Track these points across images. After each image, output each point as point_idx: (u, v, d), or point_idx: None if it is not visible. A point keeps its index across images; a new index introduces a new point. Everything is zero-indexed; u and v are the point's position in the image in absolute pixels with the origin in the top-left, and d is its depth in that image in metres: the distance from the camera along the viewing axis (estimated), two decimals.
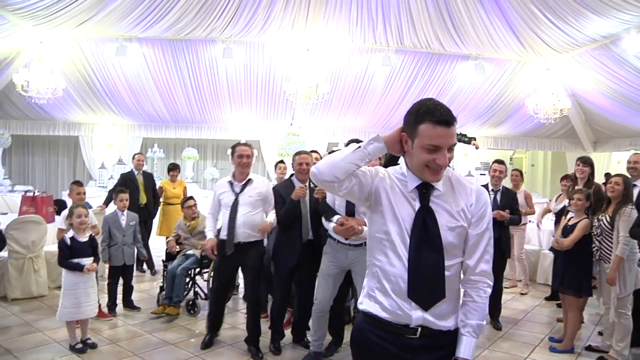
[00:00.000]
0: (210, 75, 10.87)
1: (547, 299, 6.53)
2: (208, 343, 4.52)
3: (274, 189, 4.66)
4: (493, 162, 5.70)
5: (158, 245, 7.95)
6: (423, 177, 1.77)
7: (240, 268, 4.65)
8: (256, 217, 4.37)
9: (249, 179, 4.41)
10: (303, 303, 4.58)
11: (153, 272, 7.24)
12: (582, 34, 9.10)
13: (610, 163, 14.48)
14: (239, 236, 4.29)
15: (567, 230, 4.89)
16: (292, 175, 4.70)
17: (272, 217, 4.48)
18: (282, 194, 4.50)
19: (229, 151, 4.80)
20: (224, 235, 4.34)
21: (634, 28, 8.48)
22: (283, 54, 10.43)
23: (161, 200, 7.65)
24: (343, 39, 10.12)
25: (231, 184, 4.41)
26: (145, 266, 7.34)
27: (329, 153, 3.76)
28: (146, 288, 6.59)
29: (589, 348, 4.82)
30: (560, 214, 6.01)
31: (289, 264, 4.42)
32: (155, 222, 7.70)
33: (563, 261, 4.81)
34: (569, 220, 5.02)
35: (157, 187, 7.71)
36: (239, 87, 11.26)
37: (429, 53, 10.57)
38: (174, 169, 7.81)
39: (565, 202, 6.13)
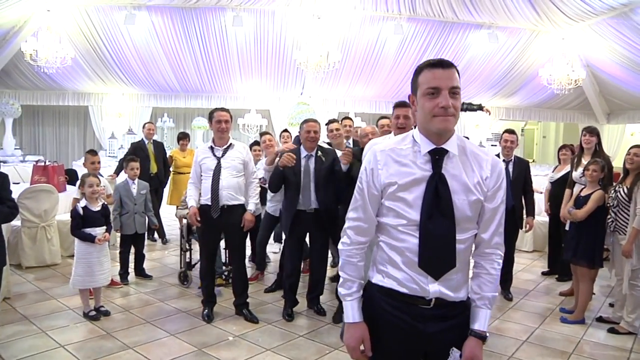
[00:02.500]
0: (220, 44, 10.76)
1: (544, 273, 6.46)
2: (209, 315, 4.45)
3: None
4: (503, 132, 5.60)
5: (169, 215, 7.99)
6: (434, 128, 1.70)
7: (224, 234, 4.69)
8: (239, 180, 4.43)
9: (230, 144, 4.44)
10: (316, 270, 4.65)
11: (164, 241, 7.27)
12: (600, 1, 8.85)
13: (624, 135, 14.31)
14: (224, 198, 4.32)
15: (580, 202, 4.83)
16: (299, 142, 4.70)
17: (253, 205, 4.49)
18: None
19: (206, 121, 4.73)
20: (206, 199, 4.35)
21: None
22: (294, 22, 10.28)
23: (171, 169, 7.63)
24: (355, 7, 9.95)
25: (212, 149, 4.42)
26: (156, 235, 7.37)
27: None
28: (157, 257, 6.64)
29: (600, 319, 4.81)
30: (558, 183, 5.96)
31: (296, 234, 4.50)
32: (166, 191, 7.70)
33: (576, 232, 4.76)
34: (581, 191, 4.96)
35: (168, 156, 7.71)
36: (249, 56, 11.14)
37: (441, 22, 10.38)
38: (183, 137, 7.78)
39: (563, 171, 6.04)
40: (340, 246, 1.87)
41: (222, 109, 4.46)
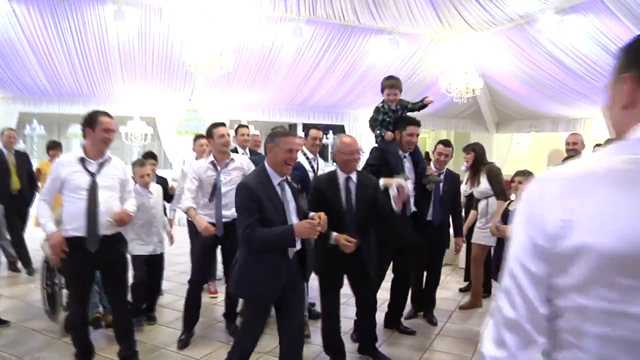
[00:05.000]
0: (99, 42, 9.50)
1: (462, 290, 6.22)
2: None
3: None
4: (438, 143, 5.32)
5: (38, 238, 6.78)
6: None
7: (101, 274, 3.88)
8: (117, 204, 3.73)
9: (108, 157, 3.74)
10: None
11: (30, 272, 6.09)
12: (501, 11, 8.87)
13: (512, 144, 14.83)
14: (103, 227, 3.54)
15: (509, 216, 4.49)
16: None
17: (132, 205, 3.85)
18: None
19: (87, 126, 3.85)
20: (74, 228, 3.46)
21: (550, 9, 8.37)
22: (183, 19, 9.33)
23: (39, 184, 6.46)
24: (251, 6, 9.22)
25: (83, 161, 3.60)
26: (20, 264, 6.17)
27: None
28: (20, 293, 5.48)
29: None
30: (470, 198, 5.85)
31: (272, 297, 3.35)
32: (33, 210, 6.49)
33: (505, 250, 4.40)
34: (508, 204, 4.65)
35: (35, 169, 6.55)
36: (133, 57, 9.98)
37: (342, 25, 9.91)
38: (54, 147, 6.67)
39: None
40: None
41: (107, 115, 3.70)
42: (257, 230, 3.04)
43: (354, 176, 3.88)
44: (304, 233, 3.05)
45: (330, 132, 15.14)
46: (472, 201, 5.62)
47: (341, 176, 3.86)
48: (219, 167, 4.44)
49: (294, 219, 3.24)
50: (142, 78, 10.83)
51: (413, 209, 4.53)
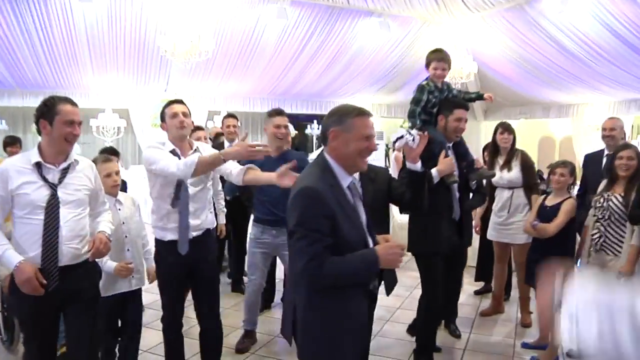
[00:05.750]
0: (64, 27, 8.61)
1: (477, 292, 5.69)
2: None
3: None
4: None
5: None
6: None
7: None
8: (84, 222, 2.78)
9: (74, 161, 2.76)
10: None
11: None
12: None
13: None
14: (65, 256, 2.63)
15: (546, 213, 3.93)
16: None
17: (107, 224, 2.95)
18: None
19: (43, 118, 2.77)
20: (31, 258, 2.56)
21: None
22: (157, 1, 8.55)
23: None
24: None
25: (39, 167, 2.64)
26: None
27: None
28: None
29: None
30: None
31: None
32: None
33: (544, 252, 3.85)
34: (545, 199, 4.08)
35: None
36: (102, 42, 9.11)
37: (329, 6, 9.24)
38: (12, 143, 5.97)
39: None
40: None
41: (70, 102, 2.72)
42: (327, 264, 2.04)
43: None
44: (391, 262, 2.17)
45: (315, 122, 14.53)
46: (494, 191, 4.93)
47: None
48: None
49: (369, 240, 2.31)
50: (114, 66, 10.00)
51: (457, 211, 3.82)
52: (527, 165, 4.64)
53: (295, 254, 2.11)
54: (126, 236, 3.46)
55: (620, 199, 3.60)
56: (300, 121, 15.27)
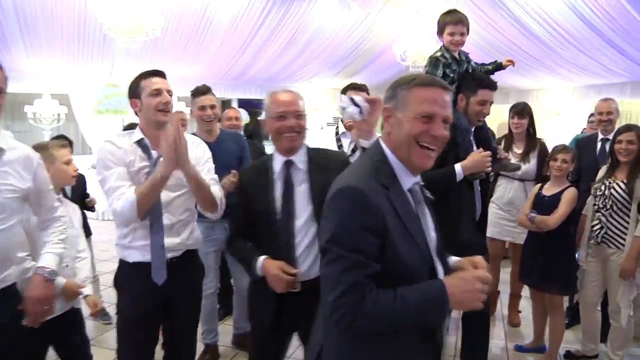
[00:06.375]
0: None
1: None
2: None
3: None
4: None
5: None
6: None
7: None
8: (17, 232, 2.13)
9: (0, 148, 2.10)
10: None
11: None
12: None
13: None
14: None
15: (544, 203, 3.59)
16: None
17: (52, 258, 2.25)
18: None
19: None
20: None
21: None
22: None
23: None
24: None
25: None
26: None
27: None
28: None
29: (569, 355, 3.72)
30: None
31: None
32: None
33: (539, 247, 3.52)
34: (541, 188, 3.74)
35: None
36: (36, 20, 8.22)
37: None
38: None
39: None
40: None
41: None
42: (369, 299, 1.40)
43: (298, 158, 2.32)
44: (467, 301, 1.47)
45: None
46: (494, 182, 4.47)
47: (278, 160, 2.35)
48: (154, 153, 2.47)
49: (438, 266, 1.61)
50: (51, 48, 9.13)
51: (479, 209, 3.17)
52: (544, 156, 4.11)
53: (326, 282, 1.47)
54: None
55: (623, 186, 3.31)
56: (253, 107, 14.67)
